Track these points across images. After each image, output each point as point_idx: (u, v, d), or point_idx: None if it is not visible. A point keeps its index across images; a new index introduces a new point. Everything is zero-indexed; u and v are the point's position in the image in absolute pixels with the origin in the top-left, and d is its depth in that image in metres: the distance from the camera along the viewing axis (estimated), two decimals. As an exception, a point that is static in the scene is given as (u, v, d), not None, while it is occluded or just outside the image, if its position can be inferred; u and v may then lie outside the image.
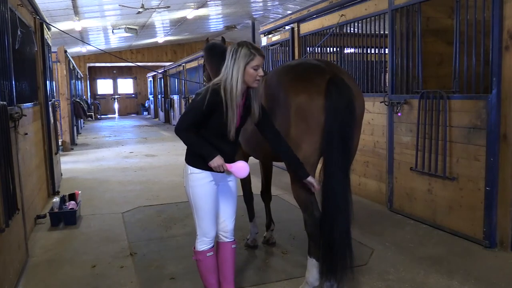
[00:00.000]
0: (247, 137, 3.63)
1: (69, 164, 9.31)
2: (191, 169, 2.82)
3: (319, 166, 3.15)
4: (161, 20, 15.40)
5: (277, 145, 2.91)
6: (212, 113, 2.68)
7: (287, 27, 7.96)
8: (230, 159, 2.83)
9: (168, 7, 12.07)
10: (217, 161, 2.69)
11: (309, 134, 2.98)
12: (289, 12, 11.09)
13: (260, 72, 2.68)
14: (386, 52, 5.47)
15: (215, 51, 4.41)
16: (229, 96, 2.64)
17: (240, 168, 2.77)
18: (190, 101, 15.90)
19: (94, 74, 29.35)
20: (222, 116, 2.67)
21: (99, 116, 26.55)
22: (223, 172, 2.77)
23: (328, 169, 2.92)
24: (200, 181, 2.80)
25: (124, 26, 13.94)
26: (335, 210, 2.92)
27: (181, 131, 2.72)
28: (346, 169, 2.97)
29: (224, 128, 2.72)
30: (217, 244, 2.99)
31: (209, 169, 2.78)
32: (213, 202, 2.85)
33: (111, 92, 30.42)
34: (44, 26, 6.54)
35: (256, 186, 4.47)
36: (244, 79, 2.66)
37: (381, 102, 5.39)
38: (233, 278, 3.02)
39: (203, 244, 2.88)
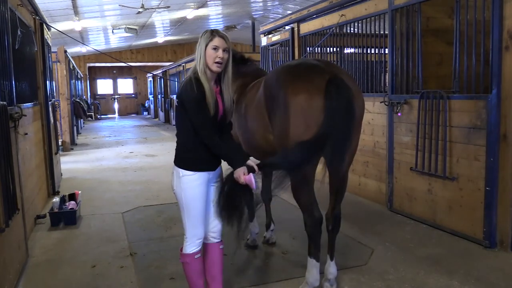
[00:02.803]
0: (248, 137, 3.63)
1: (69, 164, 9.31)
2: (183, 172, 2.77)
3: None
4: (161, 20, 15.40)
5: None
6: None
7: (287, 27, 7.96)
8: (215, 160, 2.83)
9: (168, 7, 12.07)
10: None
11: (309, 134, 2.97)
12: (289, 12, 11.08)
13: (220, 53, 2.69)
14: (386, 52, 5.47)
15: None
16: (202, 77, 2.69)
17: (250, 180, 2.74)
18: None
19: (94, 74, 29.33)
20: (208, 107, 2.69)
21: (99, 116, 26.53)
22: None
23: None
24: (192, 182, 2.77)
25: (124, 26, 13.94)
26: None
27: (212, 138, 2.68)
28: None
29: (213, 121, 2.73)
30: (205, 246, 2.93)
31: (200, 169, 2.77)
32: (204, 203, 2.83)
33: (111, 92, 30.41)
34: (44, 26, 6.54)
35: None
36: (206, 61, 2.71)
37: (381, 102, 5.39)
38: (221, 278, 2.98)
39: (193, 246, 2.82)
